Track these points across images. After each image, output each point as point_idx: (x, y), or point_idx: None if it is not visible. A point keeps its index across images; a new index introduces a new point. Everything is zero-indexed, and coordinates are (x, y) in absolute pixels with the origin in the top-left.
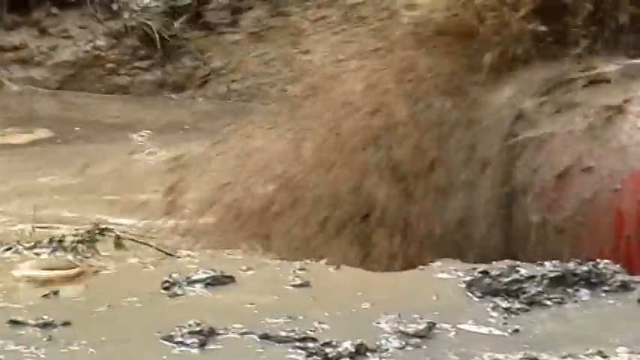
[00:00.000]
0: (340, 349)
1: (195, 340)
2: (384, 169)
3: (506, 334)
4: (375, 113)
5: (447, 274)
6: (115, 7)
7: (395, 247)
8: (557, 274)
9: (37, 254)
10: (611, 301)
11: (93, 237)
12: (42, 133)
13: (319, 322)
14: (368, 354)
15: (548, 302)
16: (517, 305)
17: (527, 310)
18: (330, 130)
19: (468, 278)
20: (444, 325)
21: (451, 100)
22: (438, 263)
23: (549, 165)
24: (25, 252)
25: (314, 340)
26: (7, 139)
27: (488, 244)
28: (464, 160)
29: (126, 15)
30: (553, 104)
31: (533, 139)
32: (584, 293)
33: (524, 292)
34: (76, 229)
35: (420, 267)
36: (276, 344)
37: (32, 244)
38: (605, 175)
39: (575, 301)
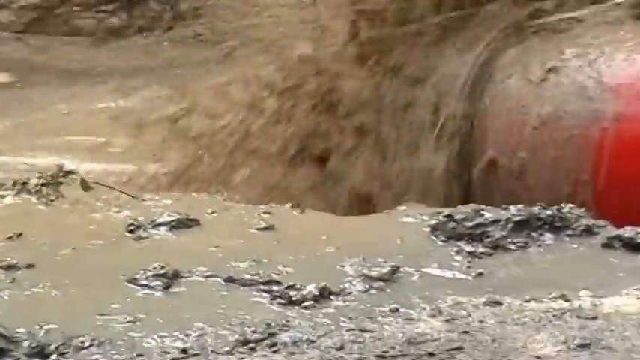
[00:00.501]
0: (304, 292)
1: (159, 282)
2: None
3: (469, 277)
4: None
5: (412, 218)
6: None
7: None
8: (521, 218)
9: (2, 197)
10: (574, 246)
11: (57, 180)
12: (2, 77)
13: (283, 266)
14: (332, 297)
15: (512, 246)
16: (481, 249)
17: (491, 254)
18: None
19: (432, 222)
20: (408, 269)
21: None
22: (402, 207)
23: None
24: None
25: (278, 283)
26: None
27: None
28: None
29: None
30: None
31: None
32: (548, 237)
33: (488, 236)
34: (40, 173)
35: (386, 211)
36: (241, 287)
37: None
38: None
39: (539, 245)
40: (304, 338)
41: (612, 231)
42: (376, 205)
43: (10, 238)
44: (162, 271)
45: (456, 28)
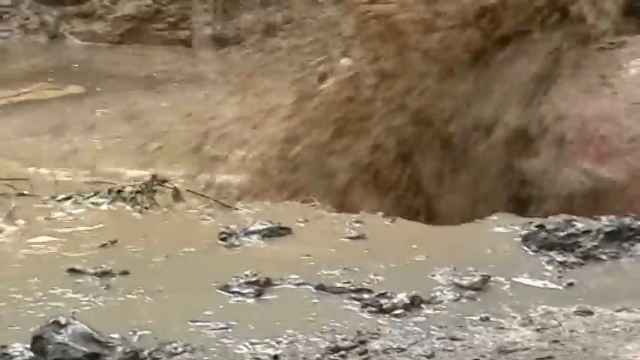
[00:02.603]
0: (395, 301)
1: (251, 290)
2: None
3: (560, 287)
4: None
5: (503, 228)
6: None
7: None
8: (612, 228)
9: (96, 204)
10: None
11: (151, 188)
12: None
13: (374, 274)
14: (422, 305)
15: (604, 256)
16: (572, 259)
17: (582, 264)
18: None
19: (523, 232)
20: (499, 278)
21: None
22: (494, 217)
23: None
24: (84, 202)
25: (369, 291)
26: (45, 93)
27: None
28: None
29: None
30: None
31: None
32: (639, 248)
33: (579, 246)
34: (135, 181)
35: (477, 220)
36: (332, 295)
37: (91, 194)
38: None
39: (631, 256)
40: (395, 346)
41: None
42: None
43: (104, 245)
44: (254, 279)
45: None
